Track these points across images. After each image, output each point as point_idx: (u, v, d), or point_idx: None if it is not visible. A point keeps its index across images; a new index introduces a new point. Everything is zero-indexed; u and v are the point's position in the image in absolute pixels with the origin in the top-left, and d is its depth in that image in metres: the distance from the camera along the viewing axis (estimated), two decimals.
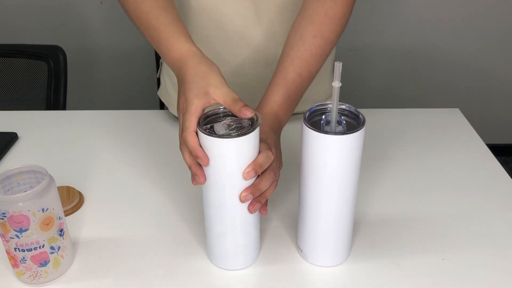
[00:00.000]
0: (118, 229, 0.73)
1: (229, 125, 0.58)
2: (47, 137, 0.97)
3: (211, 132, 0.56)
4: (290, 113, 0.73)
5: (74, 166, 0.87)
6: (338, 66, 0.55)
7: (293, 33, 0.75)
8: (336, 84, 0.56)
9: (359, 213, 0.74)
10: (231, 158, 0.56)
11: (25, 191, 0.58)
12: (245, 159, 0.57)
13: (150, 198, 0.79)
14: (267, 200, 0.63)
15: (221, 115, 0.60)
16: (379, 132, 0.96)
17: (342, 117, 0.59)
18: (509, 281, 0.63)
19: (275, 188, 0.63)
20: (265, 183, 0.60)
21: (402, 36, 2.11)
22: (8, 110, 1.09)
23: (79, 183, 0.82)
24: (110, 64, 2.15)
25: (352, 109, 0.59)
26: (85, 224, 0.74)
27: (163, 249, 0.69)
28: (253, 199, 0.60)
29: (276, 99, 0.71)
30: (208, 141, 0.56)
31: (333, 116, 0.57)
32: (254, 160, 0.58)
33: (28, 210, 0.57)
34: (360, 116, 0.58)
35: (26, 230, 0.58)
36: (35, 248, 0.60)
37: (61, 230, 0.63)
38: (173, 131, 0.97)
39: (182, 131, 0.59)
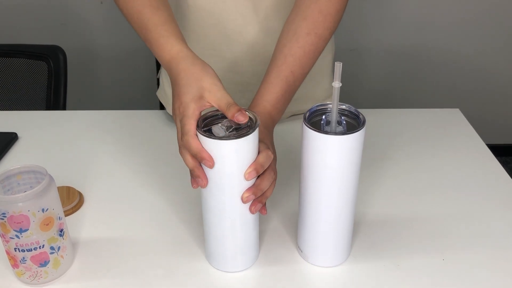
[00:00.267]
0: (118, 229, 0.73)
1: (227, 127, 0.57)
2: (47, 137, 0.97)
3: (211, 134, 0.56)
4: (282, 111, 0.73)
5: (74, 166, 0.87)
6: (339, 66, 0.55)
7: (286, 30, 0.75)
8: (337, 84, 0.56)
9: (359, 213, 0.74)
10: (232, 159, 0.56)
11: (25, 191, 0.58)
12: (246, 160, 0.57)
13: (150, 198, 0.79)
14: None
15: (220, 116, 0.60)
16: (379, 132, 0.96)
17: (342, 117, 0.59)
18: (509, 281, 0.63)
19: (274, 187, 0.63)
20: (266, 183, 0.60)
21: (402, 36, 2.11)
22: (8, 110, 1.09)
23: (79, 183, 0.82)
24: (110, 64, 2.15)
25: (352, 109, 0.59)
26: (85, 224, 0.74)
27: (163, 249, 0.69)
28: (254, 199, 0.60)
29: (269, 98, 0.71)
30: (208, 143, 0.56)
31: (333, 116, 0.57)
32: (255, 160, 0.58)
33: (28, 210, 0.57)
34: (360, 116, 0.58)
35: (26, 230, 0.58)
36: (35, 248, 0.60)
37: (61, 230, 0.63)
38: (173, 132, 0.97)
39: (182, 135, 0.59)
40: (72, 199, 0.77)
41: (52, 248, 0.62)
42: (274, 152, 0.67)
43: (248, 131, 0.56)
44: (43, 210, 0.59)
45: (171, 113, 1.00)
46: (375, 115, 0.99)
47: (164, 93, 1.02)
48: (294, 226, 0.71)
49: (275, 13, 0.86)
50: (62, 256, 0.63)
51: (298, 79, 0.73)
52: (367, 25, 2.08)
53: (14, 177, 0.62)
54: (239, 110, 0.57)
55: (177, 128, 0.63)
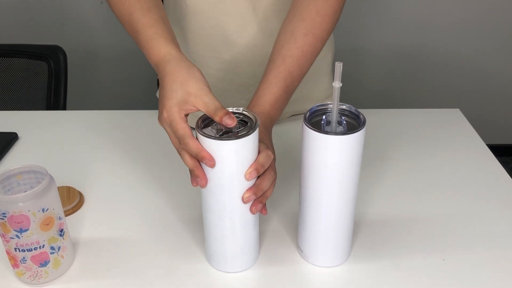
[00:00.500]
0: (118, 229, 0.73)
1: (218, 130, 0.57)
2: (47, 137, 0.97)
3: (210, 135, 0.56)
4: (281, 111, 0.73)
5: (74, 166, 0.87)
6: (339, 66, 0.55)
7: (284, 31, 0.75)
8: (337, 84, 0.56)
9: (359, 213, 0.74)
10: (232, 159, 0.56)
11: (25, 191, 0.58)
12: (246, 160, 0.57)
13: (150, 198, 0.79)
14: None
15: None
16: (379, 132, 0.96)
17: (343, 117, 0.59)
18: (509, 281, 0.63)
19: (274, 187, 0.63)
20: (266, 183, 0.60)
21: (402, 36, 2.11)
22: (8, 110, 1.09)
23: (79, 183, 0.82)
24: (110, 64, 2.15)
25: (353, 109, 0.59)
26: (85, 224, 0.74)
27: (163, 249, 0.69)
28: (254, 199, 0.60)
29: (267, 99, 0.71)
30: (208, 143, 0.56)
31: (334, 116, 0.57)
32: (255, 161, 0.58)
33: (28, 210, 0.57)
34: (361, 116, 0.58)
35: (26, 230, 0.58)
36: (35, 248, 0.60)
37: (61, 230, 0.63)
38: None
39: (179, 140, 0.59)
40: (72, 199, 0.77)
41: (52, 248, 0.62)
42: (273, 152, 0.67)
43: (249, 131, 0.56)
44: (43, 210, 0.59)
45: None
46: (375, 115, 0.99)
47: None
48: (294, 226, 0.71)
49: (274, 14, 0.86)
50: (62, 256, 0.63)
51: (296, 80, 0.73)
52: (367, 25, 2.08)
53: (14, 177, 0.62)
54: (227, 113, 0.56)
55: (167, 133, 0.62)
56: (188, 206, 0.77)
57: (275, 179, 0.63)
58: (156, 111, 1.05)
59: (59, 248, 0.63)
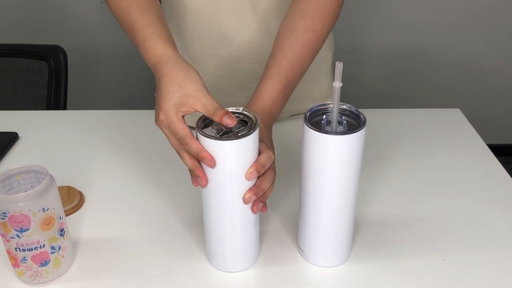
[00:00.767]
0: (118, 229, 0.73)
1: (218, 130, 0.57)
2: (48, 137, 0.97)
3: (210, 135, 0.56)
4: (282, 107, 0.72)
5: (74, 166, 0.87)
6: (339, 66, 0.55)
7: (285, 27, 0.75)
8: (337, 84, 0.56)
9: (360, 213, 0.74)
10: (232, 159, 0.56)
11: (26, 191, 0.58)
12: (246, 160, 0.57)
13: (150, 198, 0.79)
14: None
15: None
16: (379, 132, 0.96)
17: (343, 117, 0.59)
18: (509, 281, 0.63)
19: (273, 186, 0.63)
20: (266, 183, 0.60)
21: (402, 36, 2.11)
22: (9, 110, 1.09)
23: (80, 183, 0.82)
24: (111, 64, 2.15)
25: (353, 109, 0.59)
26: (85, 224, 0.74)
27: (163, 249, 0.69)
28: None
29: (269, 94, 0.70)
30: (208, 143, 0.56)
31: (334, 116, 0.57)
32: (256, 161, 0.58)
33: (29, 210, 0.57)
34: (361, 116, 0.58)
35: (27, 230, 0.58)
36: (36, 248, 0.60)
37: (62, 230, 0.63)
38: None
39: (180, 141, 0.59)
40: (72, 199, 0.77)
41: (52, 247, 0.62)
42: (273, 152, 0.67)
43: (249, 131, 0.56)
44: (43, 209, 0.59)
45: None
46: (375, 115, 0.99)
47: None
48: (295, 226, 0.71)
49: (273, 12, 0.86)
50: (62, 256, 0.63)
51: (297, 76, 0.73)
52: (367, 25, 2.08)
53: (15, 176, 0.62)
54: (226, 113, 0.56)
55: (165, 135, 0.62)
56: (189, 206, 0.77)
57: (274, 178, 0.63)
58: None
59: (59, 247, 0.63)
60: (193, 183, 0.60)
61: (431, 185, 0.82)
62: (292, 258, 0.67)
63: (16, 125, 1.00)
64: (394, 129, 0.98)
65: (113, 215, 0.76)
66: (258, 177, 0.60)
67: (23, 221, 0.58)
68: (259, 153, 0.59)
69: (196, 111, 0.60)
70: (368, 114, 0.62)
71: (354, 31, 2.07)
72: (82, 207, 0.77)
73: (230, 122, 0.56)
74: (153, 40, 0.67)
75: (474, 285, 0.63)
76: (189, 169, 0.60)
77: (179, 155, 0.60)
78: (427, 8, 2.05)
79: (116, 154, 0.91)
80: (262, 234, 0.70)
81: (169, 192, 0.80)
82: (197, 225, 0.73)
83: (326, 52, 0.98)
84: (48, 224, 0.60)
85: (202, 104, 0.59)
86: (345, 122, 0.58)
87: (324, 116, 0.59)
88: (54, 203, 0.60)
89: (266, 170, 0.60)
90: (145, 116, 1.03)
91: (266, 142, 0.62)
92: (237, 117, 0.58)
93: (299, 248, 0.67)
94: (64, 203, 0.74)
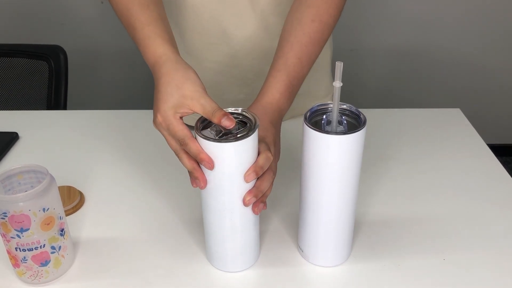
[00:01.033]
0: (118, 229, 0.73)
1: (217, 131, 0.57)
2: (48, 136, 0.97)
3: (209, 137, 0.56)
4: (291, 100, 0.72)
5: (74, 166, 0.87)
6: (339, 65, 0.55)
7: (291, 19, 0.74)
8: (337, 84, 0.56)
9: (360, 213, 0.74)
10: (231, 161, 0.56)
11: (26, 191, 0.58)
12: (245, 162, 0.57)
13: (150, 198, 0.79)
14: None
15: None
16: (380, 132, 0.96)
17: (343, 117, 0.59)
18: (509, 281, 0.63)
19: (272, 185, 0.63)
20: (266, 184, 0.60)
21: (403, 36, 2.11)
22: (9, 110, 1.09)
23: (80, 183, 0.82)
24: (110, 64, 2.15)
25: (353, 109, 0.59)
26: (85, 224, 0.74)
27: (163, 249, 0.69)
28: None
29: (278, 86, 0.70)
30: (207, 145, 0.55)
31: (334, 116, 0.57)
32: (254, 163, 0.58)
33: (29, 210, 0.57)
34: (361, 116, 0.58)
35: (27, 229, 0.58)
36: (36, 248, 0.60)
37: (62, 230, 0.63)
38: None
39: (180, 141, 0.59)
40: (73, 199, 0.77)
41: (53, 247, 0.62)
42: (278, 149, 0.66)
43: (248, 132, 0.56)
44: (44, 209, 0.59)
45: None
46: (375, 115, 0.99)
47: None
48: (295, 226, 0.71)
49: (272, 7, 0.86)
50: (63, 256, 0.63)
51: (305, 67, 0.72)
52: (367, 25, 2.08)
53: (15, 176, 0.62)
54: (225, 114, 0.56)
55: (164, 136, 0.62)
56: (189, 206, 0.77)
57: (274, 178, 0.63)
58: None
59: (59, 247, 0.63)
60: (192, 185, 0.60)
61: (431, 185, 0.82)
62: (292, 258, 0.67)
63: (16, 125, 1.00)
64: (394, 129, 0.98)
65: (113, 215, 0.76)
66: (257, 178, 0.60)
67: (23, 221, 0.58)
68: (258, 154, 0.59)
69: (194, 112, 0.60)
70: (368, 114, 0.62)
71: (354, 31, 2.07)
72: (82, 207, 0.77)
73: (228, 123, 0.56)
74: (152, 39, 0.67)
75: (474, 285, 0.63)
76: (188, 171, 0.60)
77: (178, 156, 0.60)
78: (427, 8, 2.05)
79: (116, 154, 0.91)
80: (262, 234, 0.70)
81: (169, 192, 0.80)
82: (197, 225, 0.73)
83: (327, 49, 0.98)
84: (48, 224, 0.60)
85: (200, 106, 0.59)
86: (345, 122, 0.58)
87: (324, 116, 0.59)
88: (55, 203, 0.60)
89: (265, 171, 0.60)
90: (145, 116, 1.03)
91: (267, 142, 0.62)
92: (236, 117, 0.58)
93: (299, 248, 0.67)
94: (64, 203, 0.74)
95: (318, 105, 0.60)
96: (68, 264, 0.65)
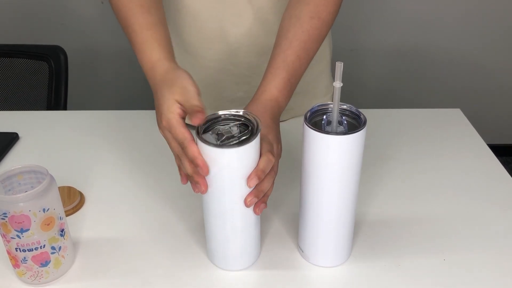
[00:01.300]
0: (119, 229, 0.73)
1: (219, 135, 0.57)
2: (48, 137, 0.97)
3: (210, 142, 0.55)
4: (289, 97, 0.72)
5: (75, 166, 0.87)
6: (339, 66, 0.55)
7: (289, 16, 0.74)
8: (337, 84, 0.56)
9: (360, 214, 0.74)
10: (233, 166, 0.56)
11: (26, 191, 0.58)
12: (247, 166, 0.57)
13: (150, 198, 0.79)
14: None
15: (221, 119, 0.59)
16: (380, 132, 0.96)
17: (343, 117, 0.59)
18: (509, 281, 0.63)
19: (273, 185, 0.62)
20: (267, 185, 0.60)
21: (403, 36, 2.11)
22: (9, 110, 1.09)
23: (80, 183, 0.82)
24: (111, 64, 2.15)
25: (353, 109, 0.59)
26: (86, 224, 0.74)
27: (163, 249, 0.69)
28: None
29: (276, 83, 0.70)
30: (208, 150, 0.55)
31: (334, 116, 0.57)
32: (256, 167, 0.57)
33: (29, 210, 0.57)
34: (361, 116, 0.58)
35: (27, 230, 0.58)
36: (36, 248, 0.60)
37: (62, 230, 0.63)
38: None
39: (180, 144, 0.59)
40: (73, 199, 0.77)
41: (53, 248, 0.62)
42: (279, 146, 0.66)
43: (250, 136, 0.56)
44: (44, 210, 0.59)
45: None
46: (375, 115, 0.99)
47: None
48: (295, 226, 0.71)
49: (270, 4, 0.86)
50: (63, 256, 0.63)
51: (304, 64, 0.72)
52: (367, 25, 2.08)
53: (15, 177, 0.63)
54: (198, 111, 0.56)
55: (168, 139, 0.62)
56: (189, 206, 0.77)
57: (275, 177, 0.63)
58: None
59: (59, 248, 0.63)
60: (193, 190, 0.59)
61: (431, 185, 0.82)
62: (293, 258, 0.67)
63: (16, 125, 1.00)
64: (394, 129, 0.98)
65: (113, 215, 0.76)
66: None
67: (23, 222, 0.58)
68: (260, 155, 0.59)
69: (187, 111, 0.60)
70: (368, 114, 0.62)
71: (354, 31, 2.07)
72: (83, 208, 0.77)
73: (196, 121, 0.56)
74: (150, 44, 0.68)
75: (474, 285, 0.63)
76: (188, 175, 0.59)
77: (180, 160, 0.60)
78: (427, 8, 2.05)
79: (116, 154, 0.91)
80: (262, 234, 0.70)
81: (169, 192, 0.80)
82: (197, 225, 0.73)
83: (325, 48, 0.98)
84: (48, 224, 0.60)
85: (188, 105, 0.59)
86: (345, 122, 0.58)
87: (324, 116, 0.59)
88: (55, 203, 0.60)
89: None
90: (145, 116, 1.03)
91: (269, 140, 0.61)
92: (237, 120, 0.58)
93: (300, 248, 0.67)
94: (64, 203, 0.74)
95: (318, 105, 0.60)
96: (68, 264, 0.65)
